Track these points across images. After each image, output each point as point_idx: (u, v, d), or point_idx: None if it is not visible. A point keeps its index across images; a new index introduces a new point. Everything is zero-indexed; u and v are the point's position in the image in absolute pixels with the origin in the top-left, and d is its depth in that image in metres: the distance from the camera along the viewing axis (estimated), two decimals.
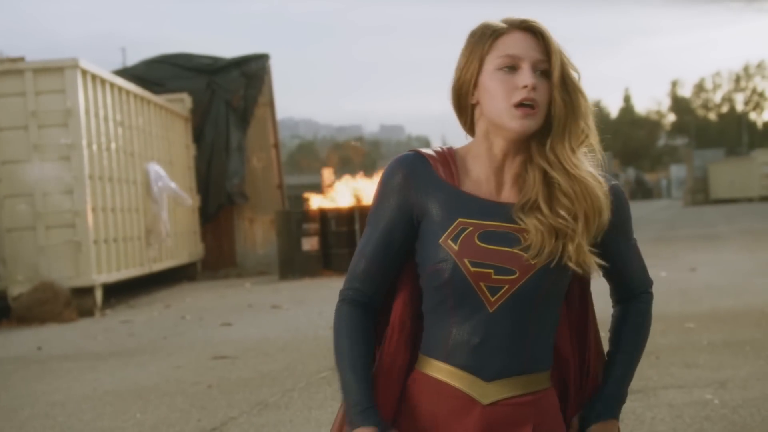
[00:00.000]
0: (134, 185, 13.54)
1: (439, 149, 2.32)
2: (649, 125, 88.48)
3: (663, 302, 8.64)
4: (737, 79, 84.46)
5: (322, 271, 14.96)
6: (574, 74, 2.23)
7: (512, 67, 2.17)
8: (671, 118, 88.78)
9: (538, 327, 2.22)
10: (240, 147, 17.45)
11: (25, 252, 11.23)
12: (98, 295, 11.48)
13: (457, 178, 2.25)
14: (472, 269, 2.20)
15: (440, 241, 2.21)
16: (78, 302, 11.10)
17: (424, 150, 2.31)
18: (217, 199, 17.33)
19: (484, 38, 2.21)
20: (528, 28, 2.20)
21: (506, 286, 2.21)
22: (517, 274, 2.20)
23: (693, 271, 11.61)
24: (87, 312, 11.13)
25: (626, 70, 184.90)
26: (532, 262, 2.19)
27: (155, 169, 14.22)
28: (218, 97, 17.43)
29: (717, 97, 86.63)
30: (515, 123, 2.16)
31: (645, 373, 5.40)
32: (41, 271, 11.13)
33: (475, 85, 2.21)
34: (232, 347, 7.69)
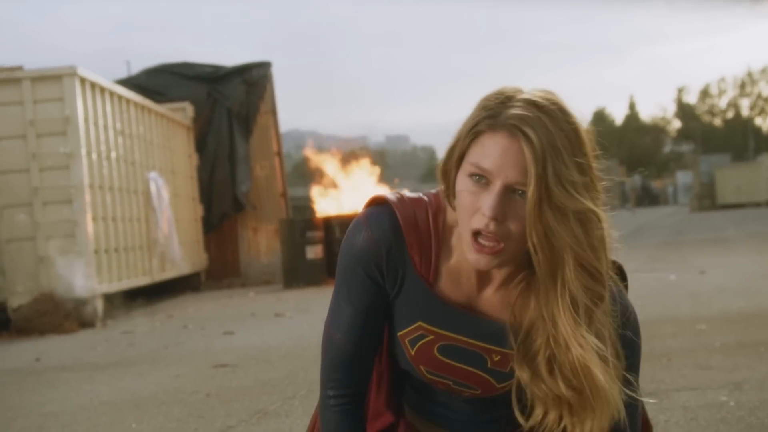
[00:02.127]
0: (135, 195, 13.40)
1: (425, 213, 1.93)
2: (655, 132, 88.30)
3: (673, 305, 8.48)
4: (742, 85, 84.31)
5: (326, 280, 14.79)
6: (573, 197, 1.73)
7: (484, 178, 1.76)
8: (677, 124, 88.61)
9: (506, 410, 1.95)
10: (245, 155, 17.33)
11: (24, 263, 11.08)
12: (99, 305, 11.32)
13: (435, 268, 1.91)
14: (429, 376, 1.96)
15: (399, 334, 1.95)
16: (78, 313, 10.96)
17: (404, 217, 1.92)
18: (221, 208, 17.20)
19: (470, 125, 1.79)
20: (515, 131, 1.73)
21: (468, 394, 2.00)
22: (480, 391, 1.97)
23: (702, 273, 11.42)
24: (88, 323, 10.98)
25: (631, 77, 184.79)
26: (499, 387, 1.95)
27: (156, 183, 14.06)
28: (220, 105, 17.31)
29: (722, 103, 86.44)
30: (470, 255, 1.80)
31: (657, 375, 5.22)
32: (41, 282, 10.98)
33: (455, 178, 1.83)
34: (233, 355, 7.53)
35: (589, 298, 1.79)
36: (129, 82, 16.28)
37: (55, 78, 11.17)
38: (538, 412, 1.87)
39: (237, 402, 5.62)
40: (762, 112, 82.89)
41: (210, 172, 17.10)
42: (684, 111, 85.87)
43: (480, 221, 1.76)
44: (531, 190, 1.72)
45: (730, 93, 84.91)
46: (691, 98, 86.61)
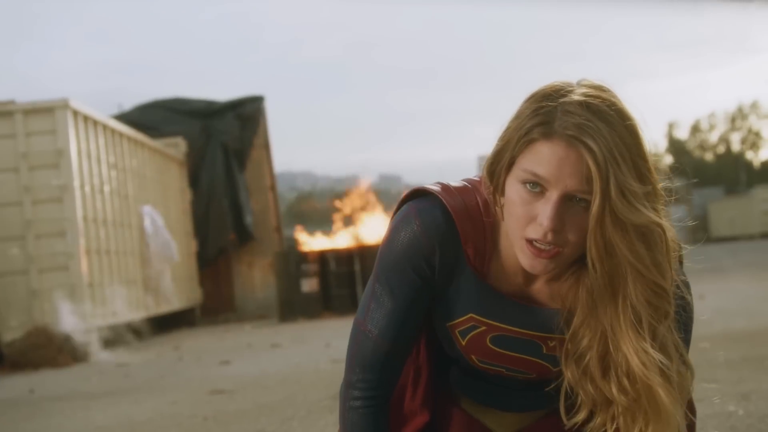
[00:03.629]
0: (129, 228, 13.32)
1: (476, 204, 1.82)
2: None
3: None
4: (733, 119, 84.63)
5: (322, 313, 14.69)
6: (637, 210, 1.64)
7: (539, 186, 1.66)
8: (668, 159, 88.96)
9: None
10: (244, 187, 17.30)
11: (17, 296, 10.97)
12: (93, 339, 11.19)
13: (489, 258, 1.81)
14: (480, 365, 1.88)
15: (448, 324, 1.86)
16: (72, 347, 10.82)
17: (455, 209, 1.80)
18: (218, 243, 17.11)
19: (521, 130, 1.67)
20: (574, 141, 1.63)
21: (521, 378, 1.92)
22: (534, 375, 1.89)
23: (702, 298, 11.32)
24: (82, 356, 10.84)
25: None
26: (555, 370, 1.86)
27: (151, 218, 13.99)
28: (214, 140, 17.28)
29: (713, 138, 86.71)
30: (524, 260, 1.71)
31: None
32: (34, 316, 10.86)
33: (504, 181, 1.73)
34: (231, 382, 7.42)
35: (653, 314, 1.69)
36: (123, 118, 16.25)
37: (47, 111, 11.13)
38: (582, 414, 1.79)
39: (235, 424, 5.51)
40: (753, 146, 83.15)
41: (205, 207, 17.04)
42: (675, 146, 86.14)
43: (537, 231, 1.67)
44: (596, 204, 1.62)
45: (721, 127, 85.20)
46: (682, 133, 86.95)
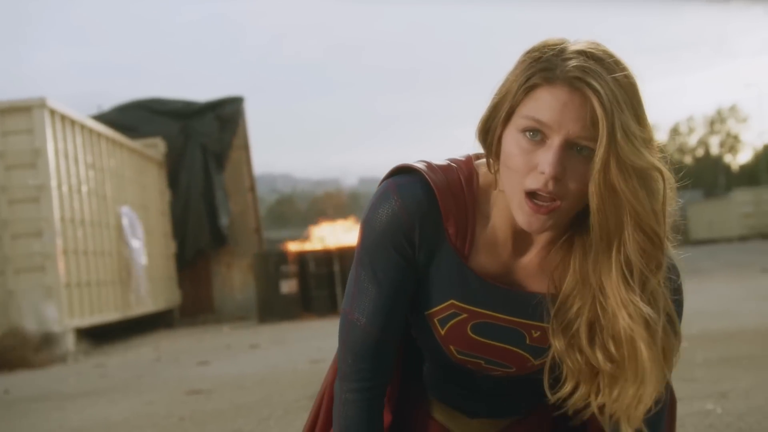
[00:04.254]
0: (107, 229, 13.23)
1: (458, 179, 1.76)
2: None
3: None
4: (711, 123, 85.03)
5: (302, 314, 14.63)
6: (640, 153, 1.60)
7: (540, 134, 1.61)
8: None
9: (533, 385, 1.84)
10: (222, 189, 17.20)
11: None
12: (70, 340, 11.11)
13: (471, 239, 1.75)
14: (458, 356, 1.81)
15: (427, 312, 1.79)
16: (49, 348, 10.74)
17: (437, 184, 1.74)
18: (196, 244, 17.02)
19: (520, 79, 1.63)
20: (578, 84, 1.59)
21: (498, 372, 1.85)
22: (514, 369, 1.82)
23: None
24: (58, 357, 10.75)
25: None
26: (536, 363, 1.80)
27: (128, 218, 13.89)
28: (193, 141, 17.19)
29: (692, 141, 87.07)
30: (521, 217, 1.64)
31: None
32: (10, 317, 10.77)
33: (500, 136, 1.67)
34: (208, 383, 7.37)
35: (646, 264, 1.65)
36: (101, 118, 16.12)
37: (24, 110, 11.03)
38: (567, 387, 1.74)
39: (212, 424, 5.47)
40: (731, 149, 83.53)
41: (183, 208, 16.95)
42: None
43: (537, 180, 1.62)
44: (602, 147, 1.58)
45: (700, 131, 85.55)
46: (661, 136, 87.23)
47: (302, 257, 15.13)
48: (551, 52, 1.64)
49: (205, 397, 6.62)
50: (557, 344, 1.73)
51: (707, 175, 78.44)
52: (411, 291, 1.82)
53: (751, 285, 12.76)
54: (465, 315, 1.79)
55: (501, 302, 1.79)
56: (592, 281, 1.68)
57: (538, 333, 1.80)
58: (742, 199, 46.61)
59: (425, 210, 1.75)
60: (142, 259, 14.17)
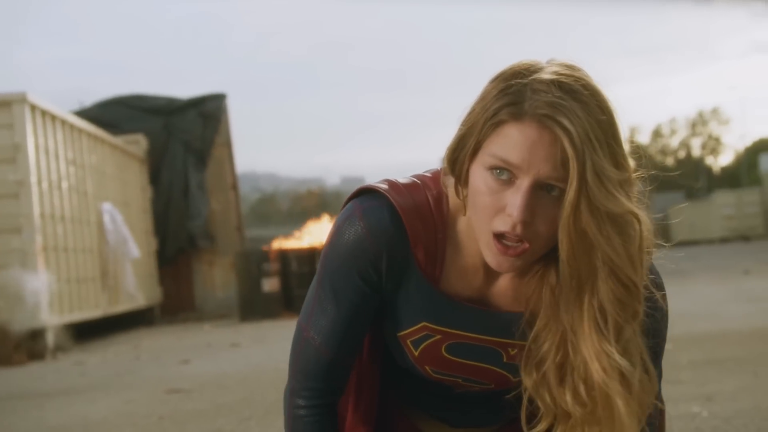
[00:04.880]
0: (88, 225, 13.11)
1: (426, 202, 1.67)
2: None
3: None
4: (693, 125, 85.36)
5: (283, 313, 14.55)
6: (614, 197, 1.50)
7: (508, 173, 1.51)
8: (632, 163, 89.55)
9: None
10: (201, 188, 17.06)
11: None
12: (50, 337, 10.99)
13: (441, 264, 1.66)
14: (435, 375, 1.73)
15: (399, 334, 1.71)
16: (28, 345, 10.62)
17: (404, 210, 1.65)
18: (177, 242, 16.90)
19: (487, 112, 1.53)
20: (548, 122, 1.49)
21: (477, 388, 1.78)
22: (493, 386, 1.74)
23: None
24: (38, 355, 10.62)
25: None
26: (515, 381, 1.72)
27: (110, 215, 13.78)
28: (175, 138, 17.07)
29: (674, 143, 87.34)
30: (489, 257, 1.56)
31: None
32: None
33: (468, 169, 1.58)
34: (188, 382, 7.29)
35: (621, 313, 1.56)
36: (83, 114, 15.97)
37: (4, 105, 10.90)
38: (543, 424, 1.66)
39: (191, 424, 5.40)
40: (713, 151, 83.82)
41: (165, 206, 16.83)
42: (637, 151, 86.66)
43: (505, 223, 1.53)
44: (573, 191, 1.48)
45: (682, 133, 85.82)
46: (644, 138, 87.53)
47: (284, 256, 15.04)
48: (520, 83, 1.54)
49: (186, 396, 6.55)
50: (527, 381, 1.66)
51: (689, 177, 78.56)
52: (371, 316, 1.75)
53: (734, 287, 12.78)
54: (438, 336, 1.73)
55: (475, 322, 1.72)
56: (564, 321, 1.60)
57: (515, 350, 1.72)
58: (723, 201, 46.78)
59: (392, 236, 1.67)
60: (135, 251, 14.07)
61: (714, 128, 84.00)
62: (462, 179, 1.62)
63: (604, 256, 1.53)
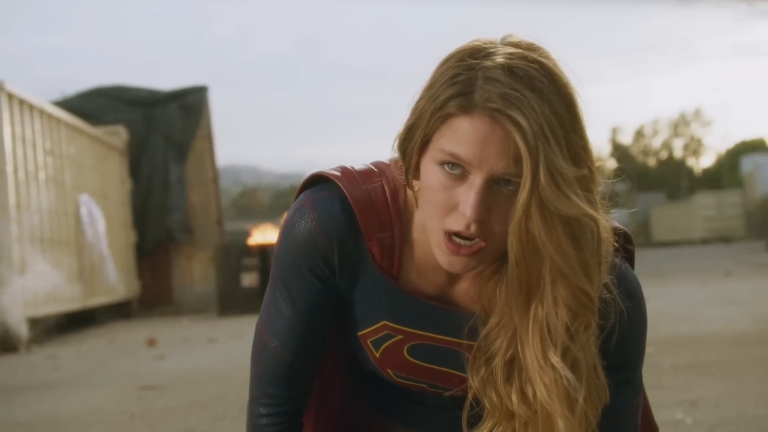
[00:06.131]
0: (65, 217, 12.94)
1: (382, 193, 1.56)
2: None
3: None
4: (675, 126, 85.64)
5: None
6: (568, 198, 1.39)
7: (460, 168, 1.40)
8: (611, 164, 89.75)
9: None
10: (181, 181, 16.88)
11: None
12: (23, 330, 10.81)
13: (399, 259, 1.57)
14: (398, 380, 1.64)
15: (359, 333, 1.62)
16: (2, 338, 10.45)
17: (357, 202, 1.55)
18: (156, 235, 16.72)
19: (435, 102, 1.41)
20: (499, 116, 1.37)
21: (446, 395, 1.67)
22: (461, 393, 1.63)
23: (646, 301, 11.27)
24: (11, 347, 10.46)
25: None
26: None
27: (88, 207, 13.59)
28: (155, 130, 16.89)
29: (656, 143, 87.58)
30: (441, 257, 1.46)
31: None
32: None
33: (418, 162, 1.47)
34: (162, 378, 7.16)
35: (571, 324, 1.46)
36: (63, 105, 15.76)
37: None
38: (486, 426, 1.58)
39: (163, 422, 5.27)
40: (695, 152, 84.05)
41: (144, 198, 16.65)
42: (619, 151, 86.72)
43: (458, 222, 1.43)
44: (525, 191, 1.38)
45: (664, 134, 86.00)
46: (626, 138, 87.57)
47: (264, 251, 14.91)
48: (471, 68, 1.42)
49: (159, 393, 6.42)
50: (475, 379, 1.56)
51: (670, 177, 78.93)
52: (329, 315, 1.66)
53: (715, 289, 12.73)
54: (400, 336, 1.63)
55: (437, 322, 1.62)
56: (515, 320, 1.50)
57: None
58: (704, 202, 46.88)
59: (344, 230, 1.58)
60: (104, 247, 13.89)
61: (696, 130, 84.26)
62: (412, 171, 1.51)
63: (552, 265, 1.42)
